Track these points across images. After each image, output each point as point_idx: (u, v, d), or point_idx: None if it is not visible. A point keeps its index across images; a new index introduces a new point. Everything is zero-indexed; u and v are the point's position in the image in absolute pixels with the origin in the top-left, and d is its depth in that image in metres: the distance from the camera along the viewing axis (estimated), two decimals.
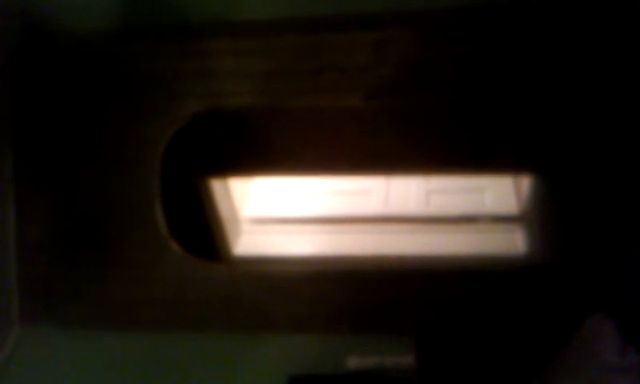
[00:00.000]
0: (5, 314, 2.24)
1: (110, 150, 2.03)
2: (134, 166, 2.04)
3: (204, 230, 2.32)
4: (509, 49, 1.86)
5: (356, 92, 1.89)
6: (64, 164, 2.09)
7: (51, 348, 2.28)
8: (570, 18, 1.82)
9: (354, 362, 2.14)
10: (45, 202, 2.18)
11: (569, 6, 1.81)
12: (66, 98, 1.98)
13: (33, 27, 1.99)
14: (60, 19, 2.00)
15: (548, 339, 1.96)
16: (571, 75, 1.85)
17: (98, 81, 1.93)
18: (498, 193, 2.75)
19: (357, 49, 1.84)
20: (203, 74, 1.87)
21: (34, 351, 2.27)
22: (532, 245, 2.40)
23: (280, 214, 2.74)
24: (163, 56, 1.88)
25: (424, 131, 2.05)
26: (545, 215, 2.29)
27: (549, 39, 1.84)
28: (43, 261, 2.27)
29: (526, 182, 2.57)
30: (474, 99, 1.92)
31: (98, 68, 1.92)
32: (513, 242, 2.50)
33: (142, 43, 1.90)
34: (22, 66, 2.05)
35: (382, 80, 1.87)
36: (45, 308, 2.31)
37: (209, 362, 2.23)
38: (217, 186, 2.29)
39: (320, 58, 1.85)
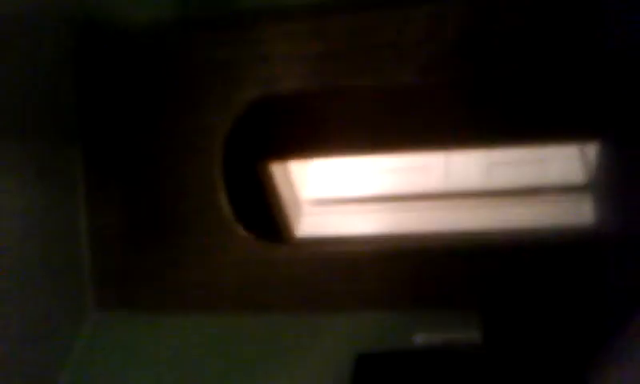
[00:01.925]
0: (80, 301, 2.35)
1: (173, 139, 2.09)
2: (196, 154, 2.09)
3: (266, 214, 2.36)
4: (570, 15, 1.79)
5: (411, 68, 1.87)
6: (131, 155, 2.16)
7: (125, 333, 2.37)
8: None
9: (420, 339, 2.14)
10: (115, 193, 2.26)
11: None
12: (128, 90, 2.03)
13: (91, 21, 2.04)
14: (117, 11, 2.04)
15: (615, 314, 1.92)
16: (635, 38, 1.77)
17: (158, 71, 1.98)
18: (563, 162, 2.67)
19: (409, 25, 1.81)
20: (258, 59, 1.89)
21: (109, 337, 2.37)
22: (599, 215, 2.33)
23: (340, 194, 2.75)
24: (219, 44, 1.90)
25: (483, 104, 2.01)
26: (612, 184, 2.22)
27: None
28: (115, 249, 2.36)
29: (592, 150, 2.48)
30: (534, 69, 1.87)
31: (156, 59, 1.96)
32: (579, 213, 2.44)
33: (199, 32, 1.92)
34: (84, 61, 2.12)
35: (437, 55, 1.84)
36: (118, 294, 2.40)
37: (276, 342, 2.26)
38: (277, 169, 2.32)
39: (372, 37, 1.83)
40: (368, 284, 2.23)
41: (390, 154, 2.72)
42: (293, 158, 2.36)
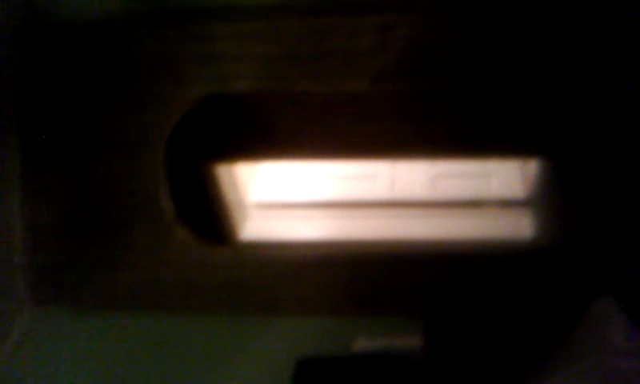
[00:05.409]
0: (14, 298, 2.27)
1: (115, 135, 2.04)
2: (139, 151, 2.04)
3: (210, 215, 2.33)
4: (516, 32, 1.84)
5: (360, 76, 1.88)
6: (71, 150, 2.10)
7: (61, 331, 2.31)
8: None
9: (361, 344, 2.15)
10: (53, 188, 2.19)
11: None
12: (72, 84, 1.98)
13: (36, 12, 1.99)
14: (63, 4, 2.00)
15: (554, 323, 1.97)
16: (578, 59, 1.83)
17: (102, 66, 1.93)
18: (505, 177, 2.74)
19: (360, 33, 1.83)
20: (207, 58, 1.87)
21: (44, 334, 2.30)
22: (538, 229, 2.40)
23: (286, 199, 2.74)
24: (167, 41, 1.87)
25: (430, 116, 2.04)
26: (551, 199, 2.29)
27: (555, 22, 1.82)
28: (53, 245, 2.29)
29: (532, 166, 2.56)
30: (480, 84, 1.91)
31: (101, 53, 1.91)
32: (519, 226, 2.50)
33: (146, 28, 1.89)
34: (27, 52, 2.05)
35: (387, 65, 1.86)
36: (55, 291, 2.33)
37: (216, 345, 2.25)
38: (223, 171, 2.30)
39: (323, 43, 1.84)
40: (310, 289, 2.23)
41: (336, 161, 2.74)
42: (239, 160, 2.34)
